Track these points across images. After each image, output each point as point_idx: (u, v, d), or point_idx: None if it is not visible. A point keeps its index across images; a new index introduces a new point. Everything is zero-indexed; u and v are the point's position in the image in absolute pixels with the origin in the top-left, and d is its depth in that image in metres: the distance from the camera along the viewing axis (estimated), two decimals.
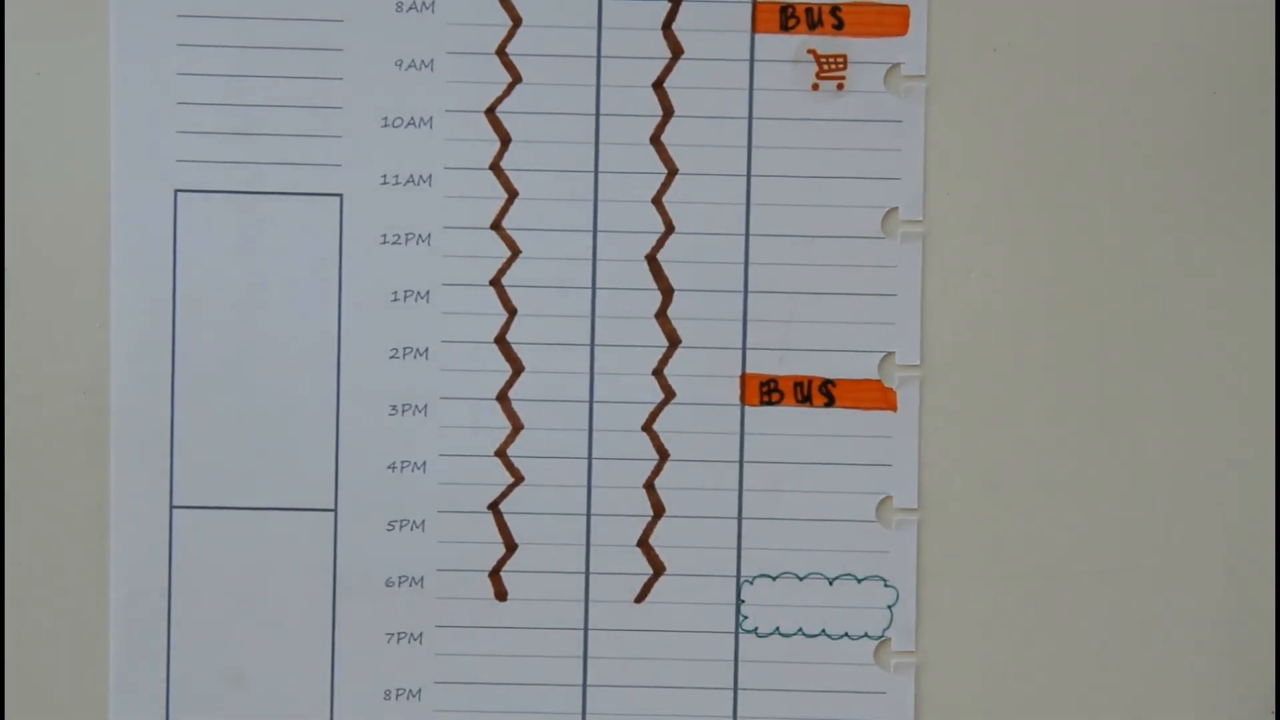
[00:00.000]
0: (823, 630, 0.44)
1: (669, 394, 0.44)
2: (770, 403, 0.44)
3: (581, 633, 0.44)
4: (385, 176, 0.43)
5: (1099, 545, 0.44)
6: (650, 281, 0.43)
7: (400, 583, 0.44)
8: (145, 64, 0.43)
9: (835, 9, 0.43)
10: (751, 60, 0.43)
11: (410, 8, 0.43)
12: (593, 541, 0.44)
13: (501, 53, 0.43)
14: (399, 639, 0.44)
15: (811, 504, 0.44)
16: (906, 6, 0.43)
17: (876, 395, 0.44)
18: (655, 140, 0.43)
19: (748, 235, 0.43)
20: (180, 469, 0.43)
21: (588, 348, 0.43)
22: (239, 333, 0.43)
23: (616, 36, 0.43)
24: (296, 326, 0.43)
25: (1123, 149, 0.43)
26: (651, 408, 0.44)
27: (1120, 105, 0.43)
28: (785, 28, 0.43)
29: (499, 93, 0.43)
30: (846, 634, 0.44)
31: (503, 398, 0.44)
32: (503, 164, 0.43)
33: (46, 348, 0.43)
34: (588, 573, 0.44)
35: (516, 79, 0.43)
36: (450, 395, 0.44)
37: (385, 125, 0.43)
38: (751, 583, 0.44)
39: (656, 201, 0.43)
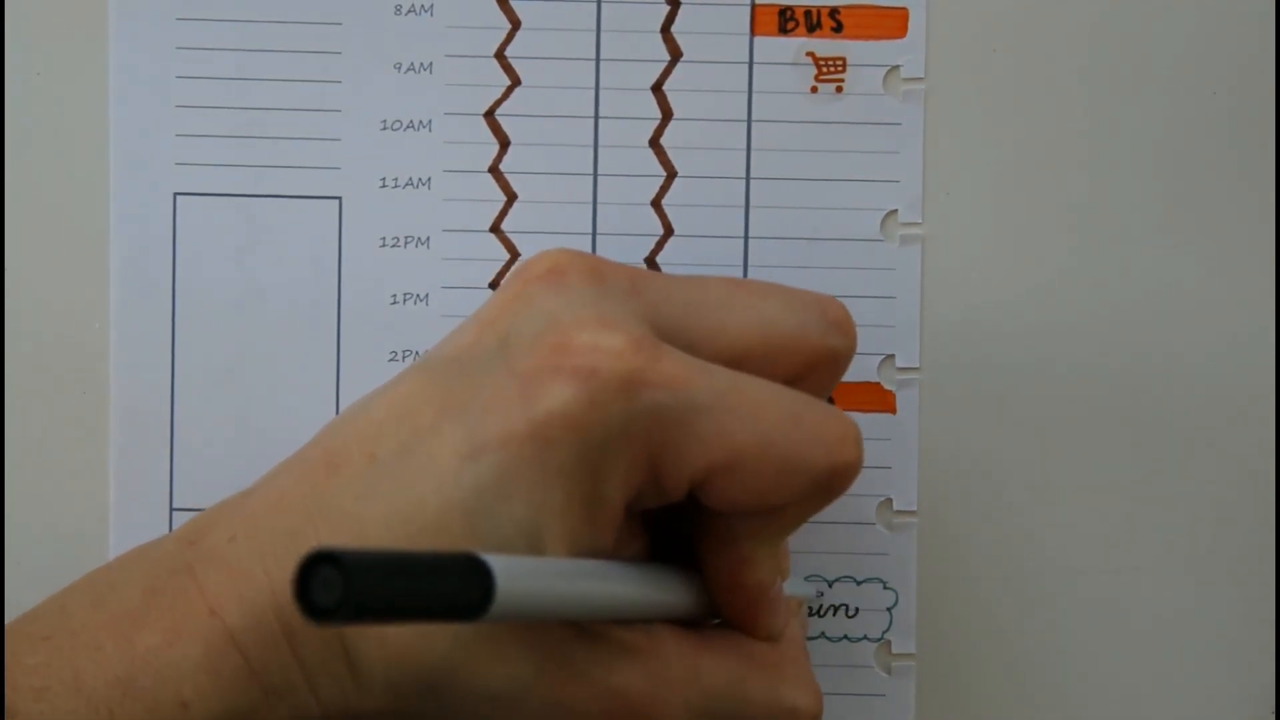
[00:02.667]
0: (822, 633, 0.44)
1: None
2: None
3: None
4: (384, 179, 0.43)
5: (1098, 547, 0.44)
6: None
7: None
8: (144, 67, 0.43)
9: (834, 11, 0.43)
10: (750, 63, 0.43)
11: (409, 11, 0.43)
12: None
13: (500, 55, 0.43)
14: None
15: None
16: (905, 9, 0.43)
17: (875, 398, 0.44)
18: (654, 143, 0.43)
19: (747, 238, 0.43)
20: (180, 472, 0.43)
21: None
22: (238, 335, 0.43)
23: (615, 39, 0.43)
24: (296, 329, 0.43)
25: (1123, 150, 0.43)
26: None
27: (1120, 106, 0.43)
28: (784, 30, 0.43)
29: (498, 95, 0.43)
30: (846, 636, 0.44)
31: None
32: (502, 167, 0.43)
33: (46, 348, 0.43)
34: None
35: (516, 82, 0.43)
36: None
37: (384, 128, 0.43)
38: None
39: (656, 204, 0.43)
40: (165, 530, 0.43)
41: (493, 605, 0.26)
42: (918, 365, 0.44)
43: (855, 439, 0.33)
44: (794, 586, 0.41)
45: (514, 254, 0.43)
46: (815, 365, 0.35)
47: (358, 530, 0.31)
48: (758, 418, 0.32)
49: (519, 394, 0.31)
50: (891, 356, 0.44)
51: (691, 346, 0.33)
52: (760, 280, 0.36)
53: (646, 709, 0.32)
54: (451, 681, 0.31)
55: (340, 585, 0.24)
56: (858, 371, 0.43)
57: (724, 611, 0.36)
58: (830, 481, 0.33)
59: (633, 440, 0.31)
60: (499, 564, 0.26)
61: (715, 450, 0.32)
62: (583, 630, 0.32)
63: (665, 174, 0.43)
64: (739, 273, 0.43)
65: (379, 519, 0.31)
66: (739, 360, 0.34)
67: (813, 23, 0.43)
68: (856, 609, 0.44)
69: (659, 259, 0.43)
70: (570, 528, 0.31)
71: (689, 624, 0.35)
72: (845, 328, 0.35)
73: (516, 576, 0.27)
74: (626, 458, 0.31)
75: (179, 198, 0.43)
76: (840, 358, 0.36)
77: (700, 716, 0.33)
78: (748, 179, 0.43)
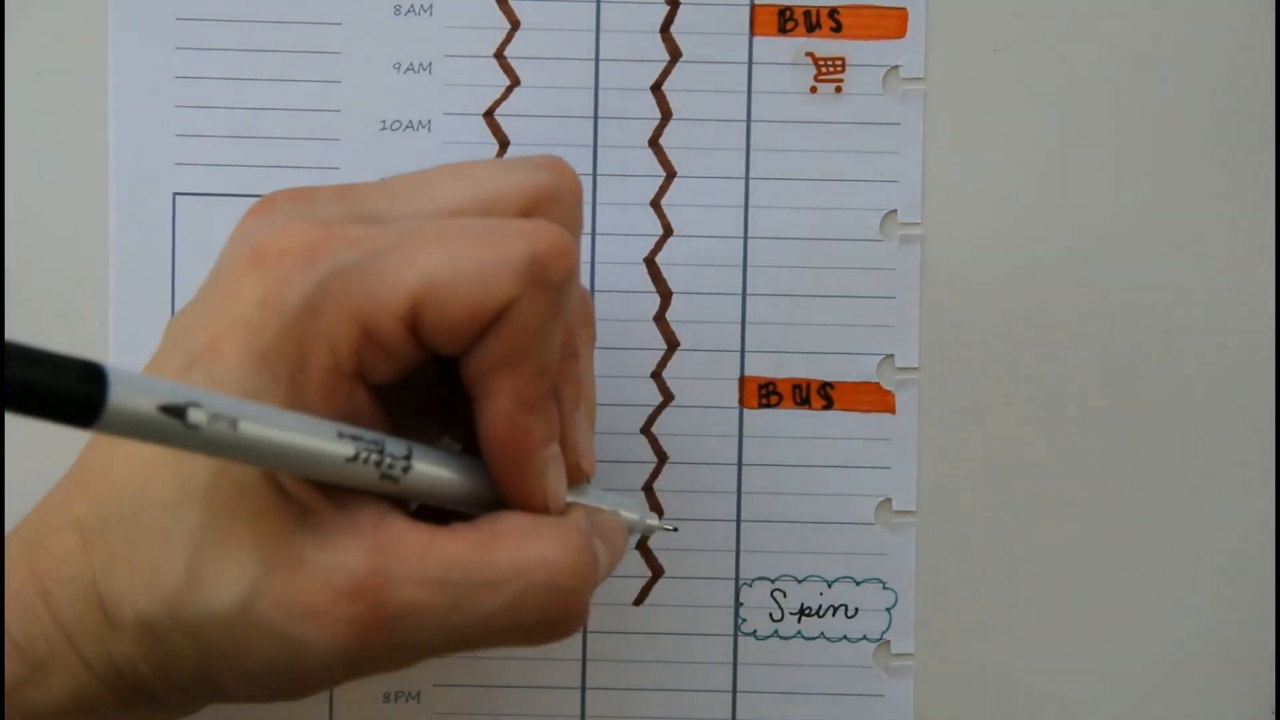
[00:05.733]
0: (821, 633, 0.44)
1: (668, 396, 0.44)
2: (769, 405, 0.44)
3: (580, 635, 0.44)
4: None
5: (1098, 547, 0.44)
6: (649, 284, 0.43)
7: None
8: (144, 67, 0.43)
9: (833, 11, 0.43)
10: (750, 63, 0.43)
11: (408, 11, 0.43)
12: None
13: (500, 56, 0.43)
14: None
15: (810, 506, 0.44)
16: (905, 9, 0.43)
17: (875, 398, 0.44)
18: (654, 143, 0.43)
19: (746, 238, 0.43)
20: None
21: None
22: None
23: (615, 39, 0.43)
24: None
25: (1122, 150, 0.43)
26: (650, 410, 0.44)
27: (1120, 106, 0.43)
28: (783, 30, 0.43)
29: (497, 96, 0.43)
30: (845, 636, 0.44)
31: None
32: None
33: (47, 347, 0.43)
34: None
35: (515, 82, 0.43)
36: None
37: (383, 128, 0.43)
38: (750, 585, 0.44)
39: (655, 204, 0.43)
40: None
41: (107, 406, 0.27)
42: (917, 365, 0.44)
43: (554, 229, 0.33)
44: (643, 515, 0.39)
45: None
46: (535, 205, 0.34)
47: (107, 482, 0.33)
48: (444, 241, 0.32)
49: (221, 301, 0.32)
50: (891, 356, 0.44)
51: (399, 219, 0.34)
52: (476, 160, 0.36)
53: (376, 585, 0.32)
54: (191, 602, 0.31)
55: None
56: (858, 371, 0.43)
57: (501, 486, 0.34)
58: (538, 270, 0.32)
59: (328, 302, 0.31)
60: (123, 374, 0.27)
61: (407, 279, 0.31)
62: (304, 517, 0.32)
63: (665, 174, 0.43)
64: (738, 274, 0.43)
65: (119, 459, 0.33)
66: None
67: (812, 23, 0.43)
68: (856, 609, 0.44)
69: (658, 259, 0.43)
70: (279, 401, 0.31)
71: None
72: (555, 166, 0.35)
73: (144, 387, 0.28)
74: (327, 321, 0.32)
75: (178, 197, 0.43)
76: (558, 191, 0.34)
77: (437, 586, 0.32)
78: (747, 179, 0.43)
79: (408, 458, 0.33)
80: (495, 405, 0.33)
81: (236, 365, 0.31)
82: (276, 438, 0.30)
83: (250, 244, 0.33)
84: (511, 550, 0.33)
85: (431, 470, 0.34)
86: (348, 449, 0.32)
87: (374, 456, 0.32)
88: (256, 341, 0.31)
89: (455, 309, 0.32)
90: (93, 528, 0.33)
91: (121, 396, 0.27)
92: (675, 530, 0.43)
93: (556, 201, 0.34)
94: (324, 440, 0.31)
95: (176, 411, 0.29)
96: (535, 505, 0.34)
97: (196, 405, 0.29)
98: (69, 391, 0.27)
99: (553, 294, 0.32)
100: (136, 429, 0.28)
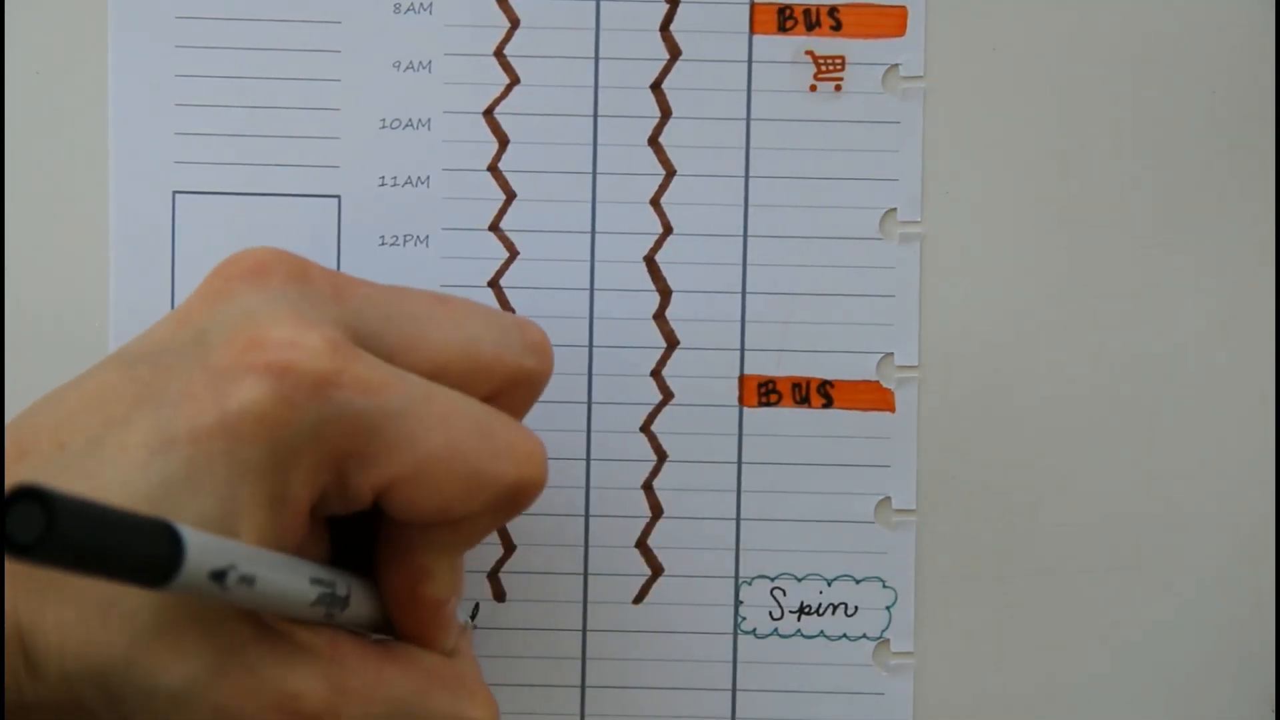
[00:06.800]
0: (821, 631, 0.44)
1: (667, 395, 0.44)
2: (768, 404, 0.44)
3: (580, 634, 0.44)
4: (383, 178, 0.43)
5: (1097, 546, 0.44)
6: (648, 283, 0.43)
7: None
8: (144, 66, 0.43)
9: (833, 10, 0.43)
10: (749, 61, 0.43)
11: (408, 9, 0.43)
12: (591, 542, 0.44)
13: (500, 54, 0.43)
14: None
15: (810, 505, 0.44)
16: (904, 7, 0.43)
17: (875, 396, 0.44)
18: (653, 141, 0.43)
19: (746, 236, 0.43)
20: None
21: (586, 349, 0.43)
22: None
23: (614, 38, 0.43)
24: None
25: (1122, 149, 0.43)
26: (650, 409, 0.44)
27: (1120, 106, 0.43)
28: (783, 29, 0.43)
29: (497, 94, 0.43)
30: (845, 635, 0.44)
31: None
32: (501, 166, 0.43)
33: (45, 349, 0.43)
34: (586, 574, 0.44)
35: (514, 80, 0.43)
36: None
37: (383, 127, 0.43)
38: (750, 583, 0.44)
39: (655, 203, 0.43)
40: None
41: (180, 573, 0.26)
42: (916, 363, 0.44)
43: (542, 457, 0.34)
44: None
45: (513, 252, 0.43)
46: (511, 385, 0.35)
47: None
48: (449, 427, 0.32)
49: (211, 388, 0.31)
50: (890, 355, 0.44)
51: (390, 356, 0.33)
52: (463, 299, 0.36)
53: (323, 717, 0.32)
54: (125, 677, 0.30)
55: (42, 523, 0.24)
56: (857, 369, 0.43)
57: (401, 625, 0.36)
58: (514, 496, 0.34)
59: (322, 441, 0.31)
60: (191, 535, 0.27)
61: (404, 456, 0.32)
62: (262, 632, 0.32)
63: (664, 172, 0.43)
64: (738, 273, 0.43)
65: None
66: (436, 374, 0.34)
67: (812, 21, 0.43)
68: (855, 608, 0.44)
69: (658, 257, 0.43)
70: (258, 524, 0.31)
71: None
72: (542, 350, 0.36)
73: (206, 549, 0.27)
74: (315, 458, 0.31)
75: (178, 196, 0.43)
76: (536, 379, 0.36)
77: None
78: (746, 177, 0.43)
79: (347, 598, 0.34)
80: (418, 574, 0.35)
81: (221, 472, 0.30)
82: (272, 590, 0.30)
83: (250, 328, 0.31)
84: (448, 704, 0.35)
85: (356, 610, 0.34)
86: (314, 593, 0.32)
87: (329, 599, 0.33)
88: (244, 453, 0.30)
89: (430, 502, 0.33)
90: (23, 575, 0.31)
91: (191, 565, 0.27)
92: (474, 626, 0.44)
93: (530, 387, 0.36)
94: (301, 587, 0.32)
95: (218, 575, 0.28)
96: (437, 650, 0.36)
97: (234, 568, 0.28)
98: (147, 559, 0.26)
99: (514, 515, 0.34)
100: (203, 591, 0.28)
